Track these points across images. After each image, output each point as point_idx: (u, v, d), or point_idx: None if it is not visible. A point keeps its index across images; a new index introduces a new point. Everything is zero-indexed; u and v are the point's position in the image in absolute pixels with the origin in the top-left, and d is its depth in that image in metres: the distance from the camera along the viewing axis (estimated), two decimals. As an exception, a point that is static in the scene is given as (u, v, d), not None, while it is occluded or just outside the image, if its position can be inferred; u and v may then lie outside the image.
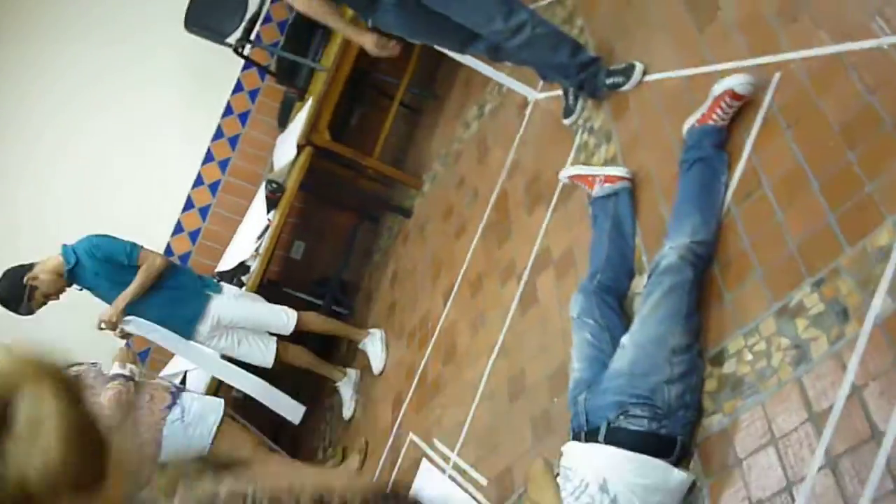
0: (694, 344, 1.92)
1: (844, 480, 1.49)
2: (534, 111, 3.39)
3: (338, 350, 4.39)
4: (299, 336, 3.75)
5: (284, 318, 3.62)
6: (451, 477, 2.83)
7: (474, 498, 2.63)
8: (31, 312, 3.27)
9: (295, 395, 4.40)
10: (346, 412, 3.94)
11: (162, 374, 4.12)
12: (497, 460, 2.60)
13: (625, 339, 1.98)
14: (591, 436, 1.92)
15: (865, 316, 1.58)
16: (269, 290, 4.29)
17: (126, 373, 3.08)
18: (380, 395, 3.73)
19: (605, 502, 1.80)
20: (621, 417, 1.86)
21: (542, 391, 2.52)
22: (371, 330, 3.91)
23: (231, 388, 4.08)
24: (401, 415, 3.41)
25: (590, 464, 1.87)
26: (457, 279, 3.41)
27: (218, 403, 3.30)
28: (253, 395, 3.59)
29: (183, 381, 4.10)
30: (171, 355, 3.93)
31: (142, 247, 3.35)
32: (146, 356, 4.35)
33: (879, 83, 1.77)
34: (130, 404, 3.08)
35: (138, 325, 3.35)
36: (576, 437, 1.99)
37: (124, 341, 3.16)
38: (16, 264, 3.25)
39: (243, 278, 4.07)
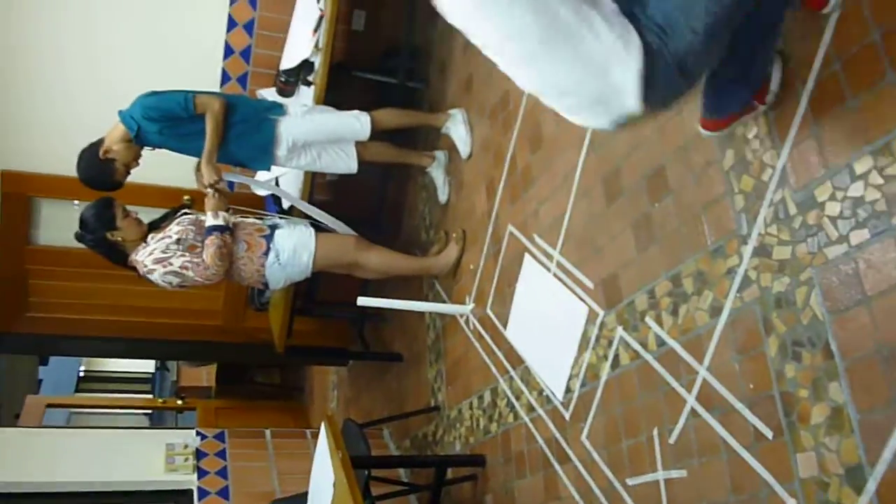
0: None
1: None
2: None
3: (420, 137, 4.24)
4: (378, 134, 3.60)
5: (357, 124, 3.47)
6: (555, 275, 2.80)
7: (582, 300, 2.62)
8: (118, 185, 3.27)
9: (384, 189, 4.44)
10: (442, 196, 3.89)
11: (253, 184, 4.16)
12: (602, 265, 2.53)
13: None
14: None
15: None
16: (339, 77, 4.08)
17: (220, 222, 3.12)
18: (472, 179, 3.63)
19: None
20: None
21: (640, 193, 2.36)
22: (451, 111, 3.71)
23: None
24: (496, 204, 3.34)
25: None
26: (532, 55, 3.10)
27: (308, 237, 3.34)
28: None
29: (276, 184, 4.14)
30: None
31: (195, 93, 3.19)
32: (233, 183, 4.36)
33: None
34: (231, 254, 3.16)
35: (234, 175, 3.43)
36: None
37: (210, 190, 3.13)
38: (85, 146, 3.23)
39: (310, 78, 3.88)
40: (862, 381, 1.59)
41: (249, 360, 7.01)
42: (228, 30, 4.37)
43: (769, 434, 1.80)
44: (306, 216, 3.58)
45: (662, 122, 2.26)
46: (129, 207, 3.28)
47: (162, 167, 4.09)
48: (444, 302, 3.78)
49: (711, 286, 2.03)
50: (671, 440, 2.13)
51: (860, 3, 1.63)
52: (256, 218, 3.43)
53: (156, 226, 3.28)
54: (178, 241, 3.12)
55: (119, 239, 3.19)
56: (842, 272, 1.65)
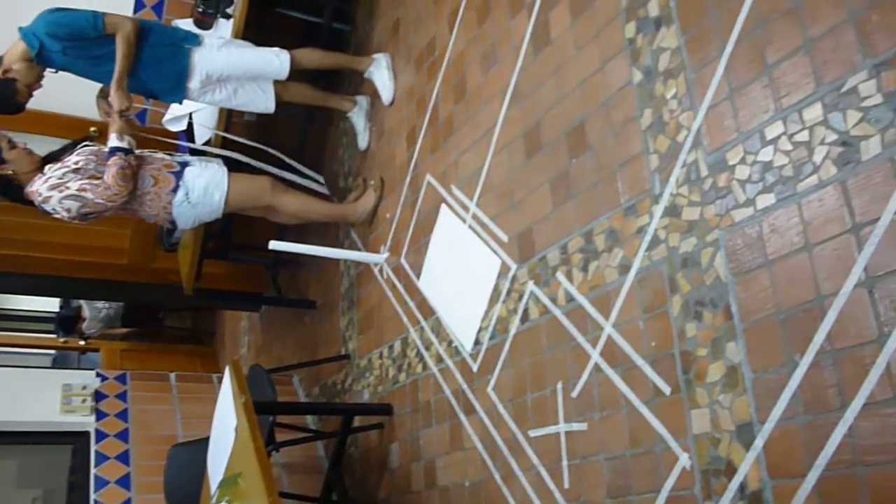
0: None
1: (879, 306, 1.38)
2: None
3: (342, 81, 4.13)
4: (299, 75, 3.48)
5: (276, 62, 3.33)
6: (471, 227, 2.78)
7: (496, 253, 2.61)
8: (20, 108, 3.04)
9: (304, 133, 4.31)
10: (362, 142, 3.81)
11: (165, 119, 3.99)
12: (517, 219, 2.52)
13: None
14: None
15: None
16: (261, 12, 3.92)
17: (124, 145, 2.95)
18: (393, 126, 3.56)
19: None
20: None
21: (560, 149, 2.34)
22: (375, 56, 3.61)
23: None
24: (416, 152, 3.29)
25: None
26: (461, 1, 3.04)
27: (221, 176, 3.21)
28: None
29: (190, 123, 3.97)
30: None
31: (104, 13, 2.97)
32: (145, 115, 4.16)
33: None
34: (135, 176, 2.99)
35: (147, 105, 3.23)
36: None
37: (116, 115, 2.95)
38: None
39: (228, 10, 3.71)
40: (758, 342, 1.63)
41: (156, 301, 6.81)
42: (144, -47, 4.15)
43: (667, 390, 1.84)
44: (219, 156, 3.45)
45: (586, 77, 2.24)
46: (16, 138, 3.07)
47: (68, 94, 3.89)
48: (359, 250, 3.73)
49: (622, 244, 2.04)
50: (574, 394, 2.16)
51: (783, -32, 1.63)
52: (166, 154, 3.28)
53: (54, 157, 3.09)
54: (76, 171, 2.94)
55: (10, 172, 2.99)
56: (746, 235, 1.67)
